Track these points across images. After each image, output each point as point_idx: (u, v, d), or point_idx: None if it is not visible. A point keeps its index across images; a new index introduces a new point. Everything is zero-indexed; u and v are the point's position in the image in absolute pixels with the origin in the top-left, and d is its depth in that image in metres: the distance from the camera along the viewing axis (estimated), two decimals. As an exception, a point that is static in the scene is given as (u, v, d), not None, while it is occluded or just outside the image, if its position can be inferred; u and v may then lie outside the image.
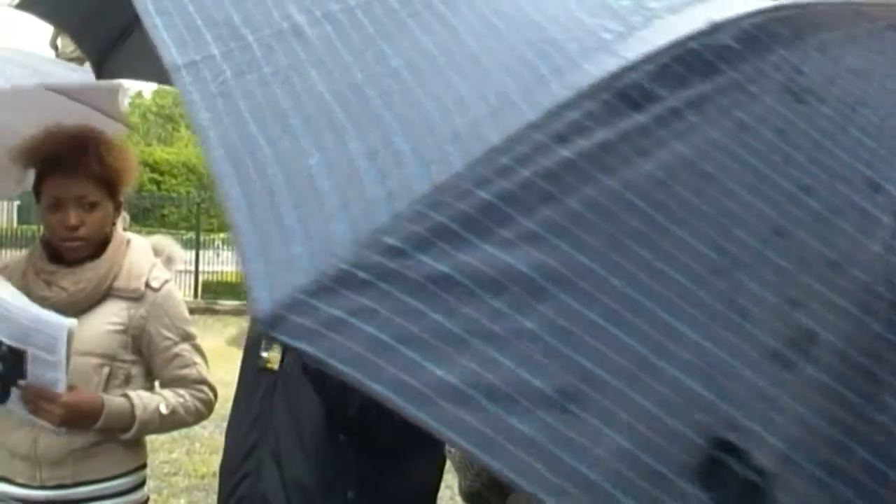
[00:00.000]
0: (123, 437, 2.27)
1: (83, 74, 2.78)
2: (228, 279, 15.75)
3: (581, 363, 0.56)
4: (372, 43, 0.69)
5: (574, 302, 0.57)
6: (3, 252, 13.33)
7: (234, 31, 0.69)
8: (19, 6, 2.12)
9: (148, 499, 2.46)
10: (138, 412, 2.24)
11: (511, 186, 0.59)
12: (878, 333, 0.61)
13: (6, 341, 2.12)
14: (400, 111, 0.64)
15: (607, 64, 0.66)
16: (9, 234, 17.05)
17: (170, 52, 0.67)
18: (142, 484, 2.40)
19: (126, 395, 2.26)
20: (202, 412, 2.38)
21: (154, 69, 2.56)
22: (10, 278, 2.35)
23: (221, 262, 17.21)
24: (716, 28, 0.69)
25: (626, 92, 0.64)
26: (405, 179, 0.59)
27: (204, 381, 2.37)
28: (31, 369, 2.12)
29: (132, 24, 2.26)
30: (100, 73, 2.35)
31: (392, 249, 0.55)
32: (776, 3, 0.76)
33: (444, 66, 0.67)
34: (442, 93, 0.65)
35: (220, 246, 18.28)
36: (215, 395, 2.39)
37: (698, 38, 0.68)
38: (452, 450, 0.97)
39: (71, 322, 2.12)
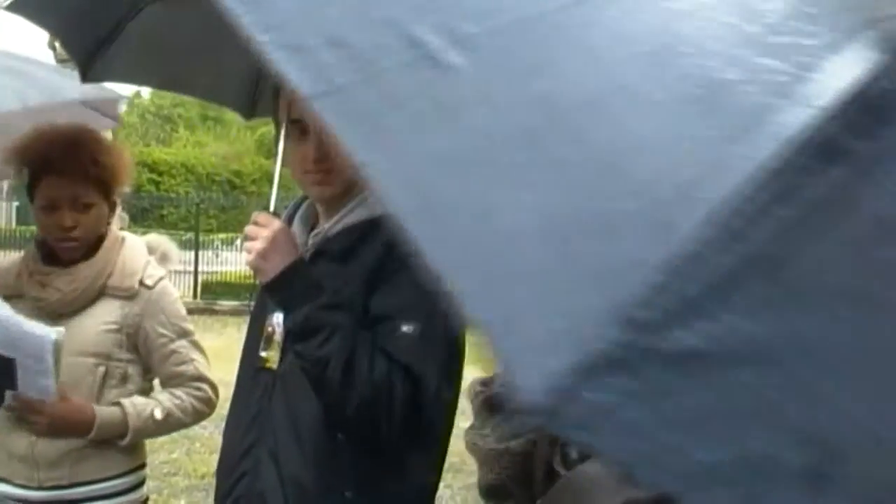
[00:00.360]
0: (121, 444, 2.27)
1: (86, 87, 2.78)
2: (227, 279, 15.74)
3: (828, 437, 0.54)
4: (528, 77, 0.64)
5: (846, 368, 0.55)
6: (2, 253, 13.32)
7: (360, 54, 0.64)
8: (8, 8, 2.13)
9: (147, 499, 2.46)
10: (131, 420, 2.24)
11: (742, 249, 0.57)
12: None
13: None
14: (602, 162, 0.61)
15: (798, 113, 0.63)
16: (7, 234, 17.04)
17: (293, 79, 0.63)
18: (140, 484, 2.40)
19: (119, 403, 2.26)
20: (201, 411, 2.37)
21: (138, 73, 2.56)
22: (4, 280, 2.35)
23: (220, 263, 17.20)
24: (888, 70, 0.66)
25: (825, 145, 0.61)
26: (639, 245, 0.56)
27: (202, 378, 2.36)
28: (22, 376, 2.13)
29: (117, 28, 2.26)
30: (85, 76, 2.35)
31: (642, 325, 0.53)
32: None
33: (620, 110, 0.64)
34: (633, 140, 0.62)
35: (219, 246, 18.28)
36: (216, 393, 2.38)
37: (873, 83, 0.65)
38: (479, 442, 0.97)
39: (56, 333, 2.12)
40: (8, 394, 2.17)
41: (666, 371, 0.53)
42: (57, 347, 2.11)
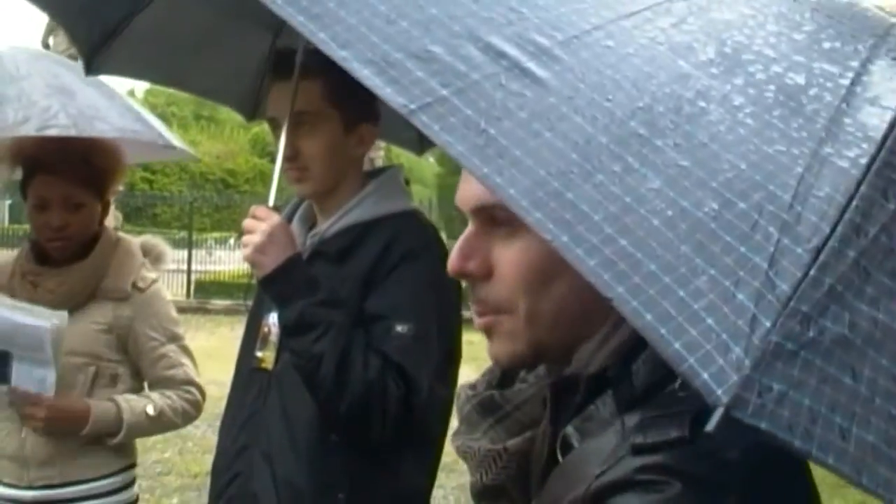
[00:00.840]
0: (113, 442, 2.26)
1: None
2: (220, 278, 15.73)
3: None
4: (611, 86, 0.68)
5: None
6: (-5, 251, 13.28)
7: (446, 67, 0.66)
8: None
9: (137, 498, 2.45)
10: (125, 415, 2.23)
11: (864, 243, 0.62)
12: None
13: None
14: (710, 165, 0.65)
15: (872, 112, 0.69)
16: (0, 233, 17.00)
17: (387, 93, 0.64)
18: (130, 484, 2.40)
19: (113, 400, 2.26)
20: (190, 413, 2.37)
21: (142, 68, 2.55)
22: None
23: (213, 262, 17.19)
24: None
25: None
26: (777, 241, 0.61)
27: (191, 382, 2.36)
28: (17, 369, 2.12)
29: (125, 21, 2.26)
30: (89, 68, 2.35)
31: (805, 317, 0.58)
32: None
33: (709, 115, 0.68)
34: (732, 142, 0.66)
35: (213, 245, 18.27)
36: (203, 396, 2.38)
37: None
38: (472, 445, 0.97)
39: (56, 319, 2.11)
40: (2, 389, 2.16)
41: (822, 360, 0.58)
42: (56, 334, 2.10)
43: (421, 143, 2.83)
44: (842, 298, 0.60)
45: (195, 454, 6.13)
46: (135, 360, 2.34)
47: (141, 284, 2.34)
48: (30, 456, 2.24)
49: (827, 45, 0.81)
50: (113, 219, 2.77)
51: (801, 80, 0.73)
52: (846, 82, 0.74)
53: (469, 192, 0.86)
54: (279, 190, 1.85)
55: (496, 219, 0.84)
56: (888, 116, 0.69)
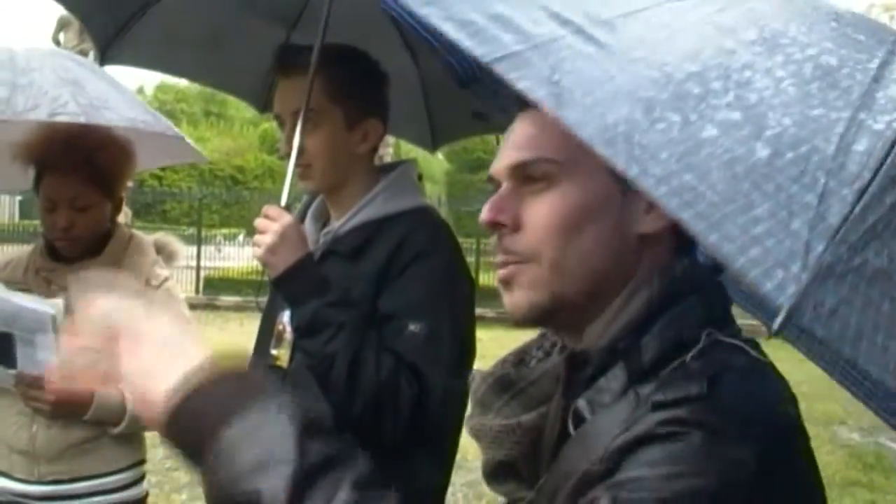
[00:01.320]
0: (115, 432, 2.25)
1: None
2: (229, 275, 15.76)
3: None
4: (669, 53, 0.78)
5: None
6: (5, 247, 13.34)
7: (519, 27, 0.76)
8: None
9: (147, 494, 2.45)
10: (129, 403, 2.22)
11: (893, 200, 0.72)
12: None
13: None
14: (762, 123, 0.74)
15: None
16: (10, 229, 17.07)
17: (470, 45, 0.73)
18: (140, 480, 2.40)
19: (117, 388, 2.25)
20: None
21: (156, 59, 2.56)
22: (12, 274, 2.35)
23: (222, 258, 17.23)
24: None
25: None
26: (828, 184, 0.71)
27: None
28: (21, 351, 2.12)
29: (137, 14, 2.26)
30: (104, 59, 2.36)
31: (852, 246, 0.69)
32: None
33: (757, 82, 0.78)
34: (780, 103, 0.76)
35: (222, 242, 18.31)
36: None
37: None
38: (486, 422, 1.00)
39: (53, 307, 2.11)
40: (9, 373, 2.16)
41: (867, 285, 0.68)
42: (55, 322, 2.10)
43: (434, 139, 2.81)
44: (882, 235, 0.70)
45: (204, 450, 6.12)
46: None
47: (154, 282, 2.34)
48: (40, 451, 2.24)
49: (853, 37, 0.90)
50: (123, 215, 2.76)
51: (833, 61, 0.83)
52: (874, 66, 0.83)
53: (506, 156, 0.93)
54: (290, 187, 1.85)
55: (531, 176, 0.91)
56: None
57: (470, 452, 1.26)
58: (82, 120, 2.35)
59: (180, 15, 2.30)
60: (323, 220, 1.93)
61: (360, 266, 1.76)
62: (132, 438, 2.36)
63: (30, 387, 2.14)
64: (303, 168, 1.82)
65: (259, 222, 1.72)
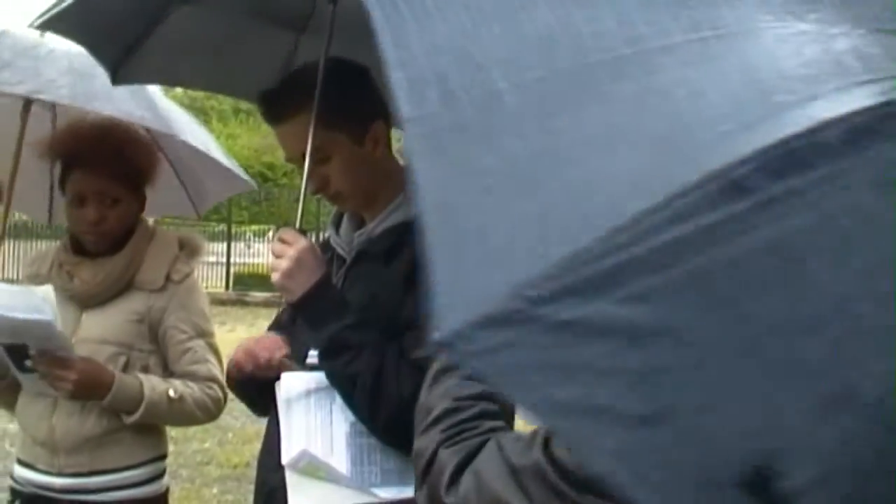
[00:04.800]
0: (130, 420, 2.27)
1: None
2: (259, 271, 15.87)
3: (665, 397, 0.73)
4: (550, 114, 0.82)
5: (664, 350, 0.74)
6: (38, 244, 13.52)
7: (453, 89, 0.81)
8: (40, 27, 2.18)
9: (167, 490, 2.48)
10: (147, 391, 2.24)
11: (626, 258, 0.73)
12: None
13: (2, 341, 2.17)
14: (562, 183, 0.78)
15: (721, 157, 0.78)
16: (41, 226, 17.26)
17: (405, 106, 0.80)
18: (160, 475, 2.42)
19: (136, 377, 2.27)
20: (210, 409, 2.37)
21: (168, 74, 2.59)
22: (38, 270, 2.39)
23: (252, 254, 17.35)
24: (824, 126, 0.80)
25: (738, 181, 0.77)
26: (551, 246, 0.74)
27: (214, 379, 2.36)
28: (37, 356, 2.16)
29: (146, 33, 2.29)
30: (115, 79, 2.39)
31: (534, 300, 0.71)
32: None
33: (602, 144, 0.80)
34: (595, 170, 0.79)
35: (251, 238, 18.42)
36: (225, 395, 2.38)
37: (805, 136, 0.79)
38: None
39: (44, 293, 2.15)
40: (33, 376, 2.19)
41: (544, 334, 0.72)
42: (55, 325, 2.13)
43: None
44: (579, 294, 0.73)
45: (235, 445, 6.19)
46: (162, 352, 2.36)
47: (176, 277, 2.37)
48: (59, 442, 2.28)
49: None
50: (152, 211, 2.79)
51: (707, 114, 0.84)
52: (727, 128, 0.82)
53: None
54: (305, 213, 1.88)
55: None
56: (733, 157, 0.79)
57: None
58: (65, 102, 2.42)
59: (188, 29, 2.32)
60: (358, 220, 1.93)
61: (391, 268, 1.76)
62: (152, 433, 2.39)
63: (54, 365, 2.16)
64: (333, 198, 1.85)
65: (275, 247, 1.73)
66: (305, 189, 1.83)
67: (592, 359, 0.73)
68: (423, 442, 1.13)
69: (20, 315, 2.11)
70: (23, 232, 15.15)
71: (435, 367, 1.18)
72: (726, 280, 0.75)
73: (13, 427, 4.08)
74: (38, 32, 2.60)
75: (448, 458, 1.07)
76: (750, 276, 0.76)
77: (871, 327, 0.77)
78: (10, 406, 2.42)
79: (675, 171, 0.78)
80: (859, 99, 0.82)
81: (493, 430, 1.10)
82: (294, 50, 2.45)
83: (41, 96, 2.62)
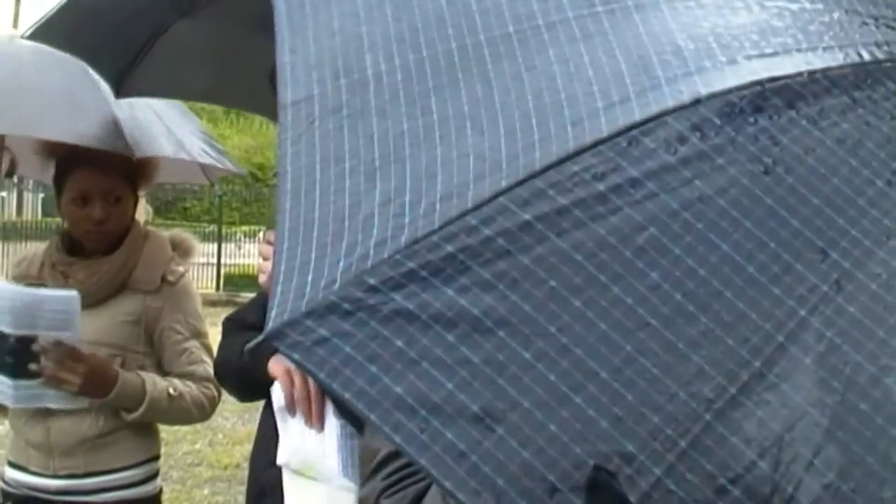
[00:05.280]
0: (131, 417, 2.26)
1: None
2: (250, 272, 15.81)
3: (511, 393, 0.68)
4: (423, 95, 0.79)
5: (513, 342, 0.69)
6: (28, 244, 13.46)
7: (334, 72, 0.80)
8: (31, 37, 2.16)
9: (161, 491, 2.48)
10: (148, 387, 2.25)
11: (473, 243, 0.70)
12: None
13: (13, 332, 2.13)
14: (418, 165, 0.75)
15: (584, 136, 0.75)
16: (33, 226, 17.21)
17: (285, 90, 0.79)
18: (154, 476, 2.42)
19: (137, 373, 2.27)
20: (205, 408, 2.38)
21: (169, 87, 2.58)
22: (27, 270, 2.38)
23: (243, 255, 17.30)
24: (698, 101, 0.76)
25: (593, 163, 0.73)
26: (397, 230, 0.71)
27: (210, 379, 2.37)
28: (48, 347, 2.14)
29: (146, 46, 2.29)
30: (118, 93, 2.39)
31: (372, 288, 0.68)
32: (798, 69, 0.81)
33: (465, 123, 0.77)
34: (451, 150, 0.75)
35: (242, 239, 18.37)
36: (219, 395, 2.39)
37: (678, 111, 0.76)
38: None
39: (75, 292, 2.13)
40: (46, 337, 2.16)
41: (383, 324, 0.68)
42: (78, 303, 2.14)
43: None
44: (423, 281, 0.69)
45: (226, 446, 6.18)
46: (157, 353, 2.35)
47: (171, 278, 2.37)
48: (55, 444, 2.27)
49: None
50: (143, 213, 2.79)
51: (580, 91, 0.81)
52: (601, 104, 0.79)
53: None
54: None
55: None
56: (593, 136, 0.77)
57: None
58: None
59: (188, 41, 2.32)
60: None
61: None
62: (146, 434, 2.39)
63: (66, 356, 2.14)
64: None
65: (262, 249, 1.73)
66: None
67: (435, 350, 0.68)
68: (366, 490, 1.04)
69: (46, 292, 2.12)
70: (12, 233, 15.10)
71: None
72: (577, 269, 0.71)
73: (2, 429, 4.07)
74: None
75: None
76: (602, 265, 0.71)
77: (734, 320, 0.72)
78: (2, 409, 2.41)
79: (535, 151, 0.74)
80: (744, 74, 0.79)
81: None
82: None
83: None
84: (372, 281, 0.69)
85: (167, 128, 2.74)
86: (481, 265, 0.70)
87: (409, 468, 0.98)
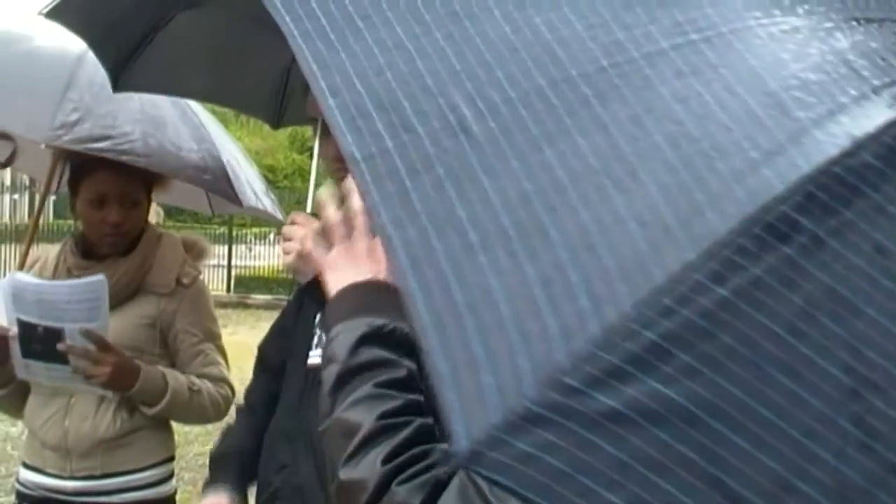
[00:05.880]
0: (152, 412, 2.27)
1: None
2: (260, 273, 15.86)
3: (731, 486, 0.62)
4: (535, 147, 0.69)
5: (726, 430, 0.63)
6: (40, 246, 13.50)
7: (405, 119, 0.70)
8: (48, 15, 2.16)
9: (176, 491, 2.48)
10: (170, 380, 2.26)
11: (672, 326, 0.63)
12: None
13: (41, 323, 2.13)
14: (567, 233, 0.66)
15: (758, 194, 0.67)
16: (44, 228, 17.25)
17: (347, 141, 0.69)
18: (169, 477, 2.43)
19: (157, 368, 2.28)
20: (221, 408, 2.38)
21: (167, 84, 2.58)
22: (41, 273, 2.38)
23: (254, 257, 17.33)
24: (858, 146, 0.68)
25: (775, 224, 0.66)
26: (579, 316, 0.62)
27: (225, 380, 2.39)
28: (78, 337, 2.15)
29: (147, 38, 2.28)
30: (116, 86, 2.39)
31: (570, 389, 0.61)
32: None
33: (603, 180, 0.68)
34: (604, 214, 0.66)
35: (252, 241, 18.40)
36: (233, 395, 2.39)
37: (841, 160, 0.68)
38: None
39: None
40: (74, 328, 2.16)
41: (588, 428, 0.61)
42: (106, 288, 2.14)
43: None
44: (624, 375, 0.62)
45: (236, 448, 6.17)
46: (172, 354, 2.36)
47: (185, 280, 2.38)
48: (72, 446, 2.28)
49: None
50: (154, 214, 2.80)
51: (712, 150, 0.73)
52: (756, 156, 0.72)
53: None
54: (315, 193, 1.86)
55: None
56: (764, 197, 0.70)
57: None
58: (142, 162, 2.37)
59: (189, 37, 2.31)
60: None
61: None
62: (162, 434, 2.40)
63: (97, 345, 2.14)
64: (345, 171, 1.82)
65: (286, 229, 1.73)
66: (316, 177, 1.82)
67: (647, 450, 0.61)
68: (359, 472, 0.91)
69: (72, 281, 2.13)
70: (24, 236, 15.15)
71: (334, 367, 0.99)
72: (779, 343, 0.64)
73: (15, 430, 4.09)
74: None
75: (410, 496, 0.85)
76: (806, 333, 0.65)
77: None
78: (18, 411, 2.42)
79: (707, 212, 0.65)
80: (883, 109, 0.71)
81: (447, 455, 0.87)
82: (294, 60, 2.45)
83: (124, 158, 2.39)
84: (569, 381, 0.61)
85: (246, 178, 2.83)
86: (683, 350, 0.63)
87: (412, 447, 0.90)
